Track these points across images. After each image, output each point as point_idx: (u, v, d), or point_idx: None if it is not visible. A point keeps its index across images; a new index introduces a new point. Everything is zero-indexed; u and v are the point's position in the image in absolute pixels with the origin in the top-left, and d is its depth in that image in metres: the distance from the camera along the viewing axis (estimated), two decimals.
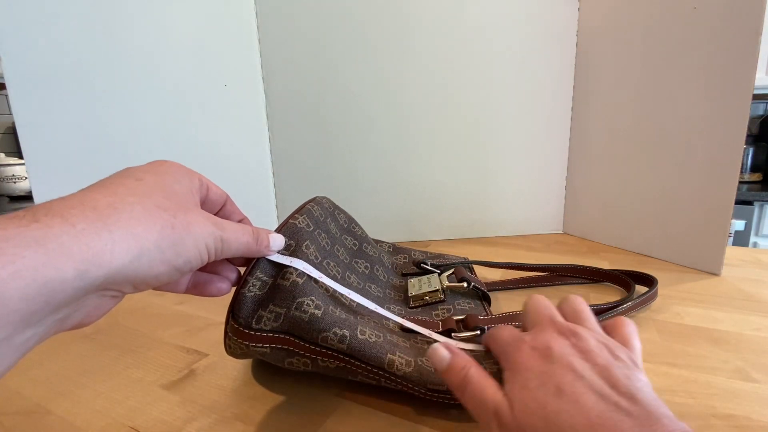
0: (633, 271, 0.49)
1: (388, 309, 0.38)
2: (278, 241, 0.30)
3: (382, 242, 0.53)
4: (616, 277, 0.49)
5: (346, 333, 0.27)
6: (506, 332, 0.26)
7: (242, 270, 0.29)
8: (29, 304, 0.15)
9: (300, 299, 0.28)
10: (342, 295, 0.33)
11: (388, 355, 0.28)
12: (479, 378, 0.23)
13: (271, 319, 0.28)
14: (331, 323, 0.28)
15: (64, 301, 0.17)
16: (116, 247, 0.18)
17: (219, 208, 0.28)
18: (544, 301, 0.28)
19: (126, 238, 0.18)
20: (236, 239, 0.25)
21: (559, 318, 0.26)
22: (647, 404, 0.19)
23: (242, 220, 0.30)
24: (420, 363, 0.28)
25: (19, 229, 0.15)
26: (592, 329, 0.25)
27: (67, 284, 0.16)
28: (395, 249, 0.53)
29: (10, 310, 0.15)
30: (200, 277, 0.27)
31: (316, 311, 0.28)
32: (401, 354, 0.28)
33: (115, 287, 0.19)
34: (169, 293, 0.53)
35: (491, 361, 0.30)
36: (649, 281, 0.47)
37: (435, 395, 0.27)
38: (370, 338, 0.28)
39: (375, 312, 0.34)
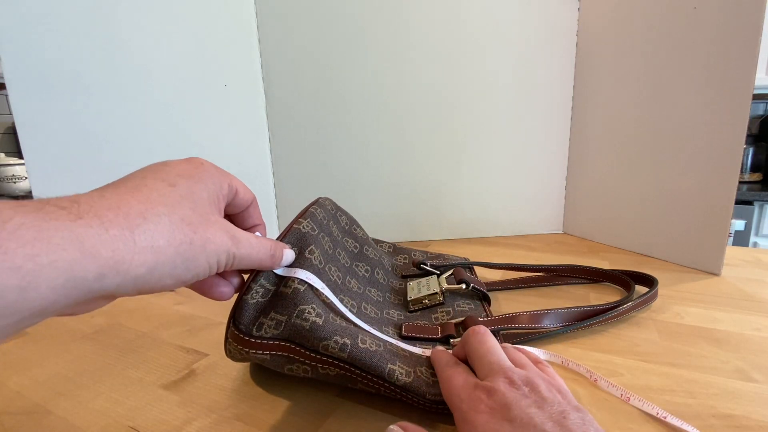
0: (633, 272, 0.49)
1: (388, 314, 0.38)
2: (290, 256, 0.30)
3: (383, 242, 0.53)
4: (616, 277, 0.49)
5: (347, 342, 0.27)
6: (459, 380, 0.25)
7: (245, 276, 0.29)
8: (53, 294, 0.16)
9: (301, 307, 0.28)
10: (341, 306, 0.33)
11: (389, 365, 0.28)
12: None
13: (271, 327, 0.28)
14: (332, 332, 0.27)
15: (75, 299, 0.17)
16: (136, 258, 0.19)
17: (243, 210, 0.29)
18: (487, 341, 0.28)
19: (146, 251, 0.19)
20: (249, 256, 0.25)
21: (507, 361, 0.26)
22: None
23: (258, 226, 0.30)
24: (419, 374, 0.28)
25: (67, 223, 0.17)
26: (530, 367, 0.26)
27: (86, 284, 0.17)
28: (395, 249, 0.53)
29: (37, 296, 0.16)
30: (204, 279, 0.27)
31: (317, 319, 0.28)
32: (401, 364, 0.28)
33: (121, 293, 0.19)
34: (170, 293, 0.53)
35: None
36: (649, 281, 0.47)
37: (434, 406, 0.27)
38: (371, 347, 0.28)
39: (371, 331, 0.34)
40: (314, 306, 0.28)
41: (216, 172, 0.25)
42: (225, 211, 0.27)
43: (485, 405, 0.23)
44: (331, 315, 0.29)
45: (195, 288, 0.26)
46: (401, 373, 0.27)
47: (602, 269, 0.50)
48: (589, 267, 0.51)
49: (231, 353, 0.30)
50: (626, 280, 0.48)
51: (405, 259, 0.52)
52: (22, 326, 0.16)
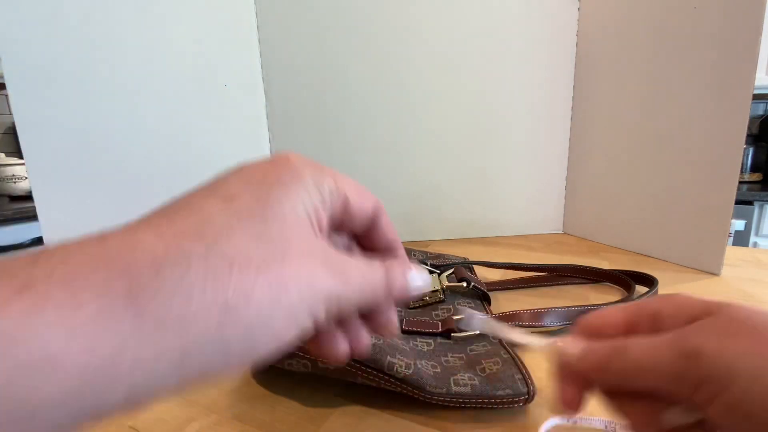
0: (633, 272, 0.49)
1: None
2: (418, 280, 0.19)
3: None
4: (616, 277, 0.49)
5: None
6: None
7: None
8: None
9: None
10: None
11: (388, 358, 0.27)
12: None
13: None
14: None
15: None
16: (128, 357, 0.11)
17: (365, 225, 0.20)
18: None
19: (148, 340, 0.11)
20: (360, 291, 0.17)
21: None
22: None
23: (394, 250, 0.21)
24: (420, 366, 0.28)
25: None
26: None
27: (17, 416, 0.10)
28: None
29: None
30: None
31: None
32: (401, 357, 0.28)
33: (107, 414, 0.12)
34: None
35: (495, 359, 0.30)
36: (649, 281, 0.47)
37: (434, 398, 0.27)
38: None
39: None
40: None
41: (311, 169, 0.17)
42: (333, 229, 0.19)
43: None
44: None
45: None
46: (401, 366, 0.27)
47: (602, 269, 0.50)
48: (589, 267, 0.51)
49: None
50: (626, 280, 0.48)
51: None
52: None
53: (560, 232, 0.78)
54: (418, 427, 0.27)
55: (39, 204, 0.51)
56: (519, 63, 0.69)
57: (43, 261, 0.11)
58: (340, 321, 0.19)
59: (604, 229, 0.69)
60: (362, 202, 0.19)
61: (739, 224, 1.68)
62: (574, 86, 0.71)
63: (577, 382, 0.19)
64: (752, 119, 1.96)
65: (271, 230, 0.14)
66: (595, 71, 0.67)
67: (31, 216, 1.39)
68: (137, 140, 0.59)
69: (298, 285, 0.14)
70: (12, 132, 1.82)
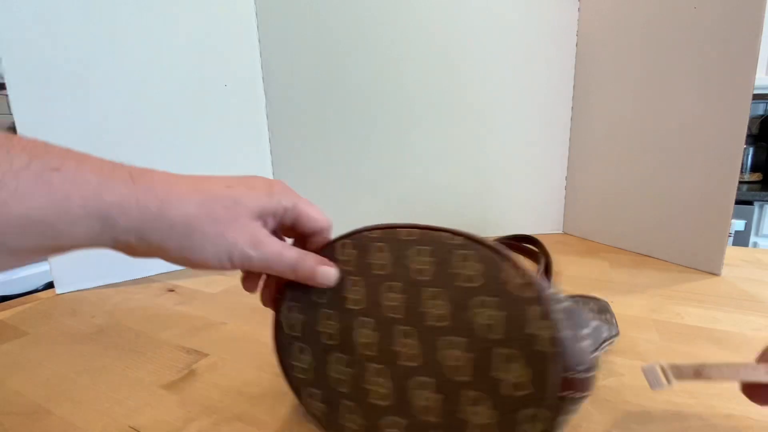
0: (517, 235, 0.52)
1: None
2: (329, 275, 0.26)
3: None
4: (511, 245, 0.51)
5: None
6: None
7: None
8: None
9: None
10: None
11: None
12: None
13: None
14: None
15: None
16: (141, 200, 0.23)
17: (312, 233, 0.28)
18: None
19: (161, 213, 0.22)
20: (266, 261, 0.25)
21: None
22: None
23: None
24: None
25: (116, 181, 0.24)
26: None
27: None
28: None
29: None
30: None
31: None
32: None
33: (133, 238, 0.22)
34: (172, 294, 0.53)
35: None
36: (533, 241, 0.49)
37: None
38: None
39: None
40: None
41: (281, 189, 0.26)
42: (295, 230, 0.27)
43: None
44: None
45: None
46: None
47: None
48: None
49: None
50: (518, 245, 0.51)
51: None
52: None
53: (560, 232, 0.78)
54: None
55: None
56: (519, 63, 0.69)
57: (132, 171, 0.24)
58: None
59: (604, 229, 0.69)
60: (313, 225, 0.27)
61: (739, 224, 1.68)
62: (574, 86, 0.71)
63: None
64: (752, 119, 1.96)
65: (235, 209, 0.24)
66: (595, 71, 0.67)
67: None
68: (137, 140, 0.59)
69: (227, 238, 0.23)
70: (12, 132, 1.82)
